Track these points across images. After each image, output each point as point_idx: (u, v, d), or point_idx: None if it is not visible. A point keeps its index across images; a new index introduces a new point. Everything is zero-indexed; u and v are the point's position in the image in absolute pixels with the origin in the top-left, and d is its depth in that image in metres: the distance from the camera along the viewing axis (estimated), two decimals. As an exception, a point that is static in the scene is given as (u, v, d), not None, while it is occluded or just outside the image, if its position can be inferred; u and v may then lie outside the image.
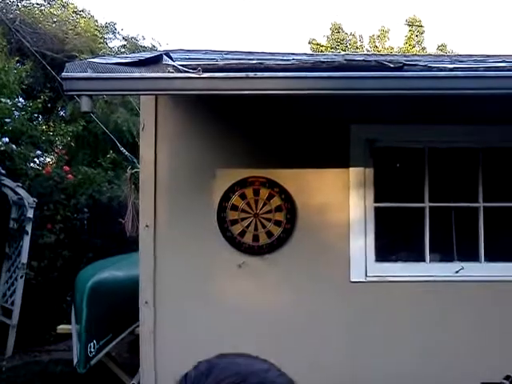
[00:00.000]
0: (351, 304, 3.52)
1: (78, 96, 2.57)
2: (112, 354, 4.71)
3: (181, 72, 2.50)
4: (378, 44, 21.11)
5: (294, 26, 36.68)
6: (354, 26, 30.75)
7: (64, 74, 2.49)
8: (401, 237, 3.75)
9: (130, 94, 4.02)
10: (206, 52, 4.02)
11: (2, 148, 7.08)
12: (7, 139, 7.23)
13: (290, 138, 3.59)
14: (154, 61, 2.70)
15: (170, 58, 2.69)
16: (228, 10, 37.94)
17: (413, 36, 20.71)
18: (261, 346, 3.47)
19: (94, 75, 2.51)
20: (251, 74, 2.45)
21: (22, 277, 6.61)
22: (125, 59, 2.82)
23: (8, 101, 7.72)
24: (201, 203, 3.58)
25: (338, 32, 21.41)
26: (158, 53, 2.86)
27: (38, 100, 8.86)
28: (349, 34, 21.59)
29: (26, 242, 6.73)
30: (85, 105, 2.53)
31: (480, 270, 3.53)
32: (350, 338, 3.51)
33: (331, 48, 20.61)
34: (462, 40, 31.15)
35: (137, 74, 2.50)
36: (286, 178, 3.56)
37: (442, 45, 20.83)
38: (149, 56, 2.75)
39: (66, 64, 2.63)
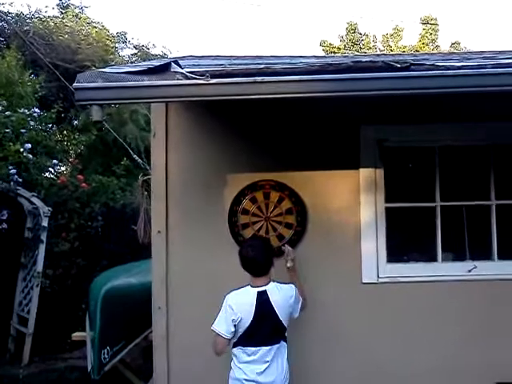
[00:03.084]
0: (363, 305, 3.51)
1: (89, 106, 2.60)
2: (126, 360, 4.75)
3: (189, 79, 2.53)
4: (391, 43, 21.04)
5: (308, 28, 36.73)
6: (369, 27, 30.74)
7: (75, 85, 2.54)
8: (412, 237, 3.74)
9: (140, 102, 4.07)
10: (215, 58, 4.06)
11: (23, 155, 7.15)
12: (29, 145, 7.31)
13: (300, 140, 3.61)
14: (163, 68, 2.73)
15: (179, 65, 2.72)
16: (240, 13, 38.11)
17: (427, 34, 20.61)
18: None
19: (104, 84, 2.54)
20: (259, 79, 2.47)
21: (37, 285, 6.69)
22: (134, 68, 2.85)
23: (26, 111, 7.85)
24: (212, 208, 3.61)
25: (354, 32, 21.36)
26: (167, 60, 2.90)
27: (52, 110, 9.00)
28: (363, 34, 21.55)
29: (42, 250, 6.81)
30: (95, 114, 2.57)
31: (493, 268, 3.51)
32: (363, 339, 3.50)
33: (345, 48, 20.60)
34: (476, 37, 31.00)
35: (146, 82, 2.53)
36: (296, 180, 3.57)
37: (455, 42, 20.75)
38: (158, 64, 2.78)
39: (78, 75, 2.67)
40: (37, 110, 8.22)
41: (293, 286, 3.12)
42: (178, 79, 2.54)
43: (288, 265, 3.26)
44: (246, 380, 2.95)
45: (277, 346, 2.98)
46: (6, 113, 7.49)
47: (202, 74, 2.51)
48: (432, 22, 20.49)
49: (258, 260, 3.01)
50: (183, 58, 3.91)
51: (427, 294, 3.51)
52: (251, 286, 3.00)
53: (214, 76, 2.51)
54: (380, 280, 3.51)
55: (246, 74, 2.56)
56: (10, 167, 6.83)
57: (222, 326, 2.94)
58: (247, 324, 2.92)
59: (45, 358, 6.45)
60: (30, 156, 7.31)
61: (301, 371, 3.42)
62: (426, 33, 20.70)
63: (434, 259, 3.56)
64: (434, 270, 3.53)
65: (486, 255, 3.56)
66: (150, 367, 3.69)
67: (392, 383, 3.47)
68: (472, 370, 3.43)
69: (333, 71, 2.56)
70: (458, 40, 21.05)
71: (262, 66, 2.76)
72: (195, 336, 3.50)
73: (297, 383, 3.19)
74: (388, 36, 21.18)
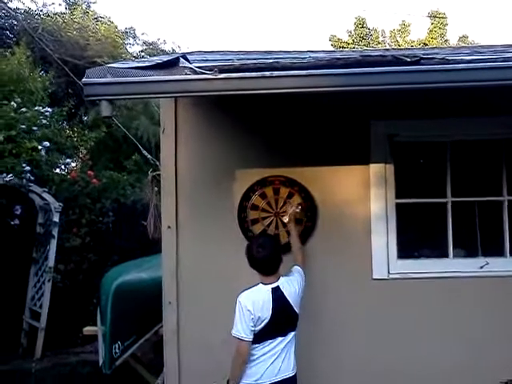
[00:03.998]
0: (374, 301, 3.49)
1: (99, 101, 2.60)
2: (137, 354, 4.78)
3: (198, 74, 2.52)
4: (398, 38, 20.89)
5: (316, 24, 36.57)
6: (377, 21, 30.52)
7: (84, 80, 2.54)
8: (423, 233, 3.71)
9: (149, 97, 4.07)
10: (224, 53, 4.05)
11: (38, 152, 7.21)
12: (47, 143, 7.37)
13: (309, 135, 3.58)
14: (172, 64, 2.73)
15: (187, 60, 2.71)
16: (249, 8, 38.01)
17: (435, 28, 20.43)
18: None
19: (113, 80, 2.54)
20: (267, 73, 2.45)
21: (49, 280, 6.75)
22: (143, 63, 2.85)
23: (40, 108, 7.92)
24: (222, 204, 3.61)
25: (362, 27, 21.21)
26: (175, 55, 2.89)
27: (63, 108, 9.05)
28: (371, 29, 21.40)
29: (53, 245, 6.88)
30: (104, 109, 2.57)
31: (505, 264, 3.47)
32: (373, 335, 3.48)
33: (353, 43, 20.47)
34: (484, 30, 30.66)
35: (154, 78, 2.53)
36: (306, 176, 3.56)
37: (463, 36, 20.55)
38: (166, 59, 2.78)
39: (87, 70, 2.68)
40: (49, 109, 8.27)
41: (297, 268, 3.17)
42: (186, 74, 2.53)
43: (285, 220, 3.39)
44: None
45: (291, 335, 3.01)
46: (22, 109, 7.55)
47: (210, 69, 2.50)
48: (440, 16, 20.28)
49: (269, 260, 2.99)
50: (192, 53, 3.89)
51: (438, 290, 3.47)
52: (263, 284, 2.99)
53: (222, 71, 2.50)
54: (391, 276, 3.49)
55: (254, 69, 2.55)
56: (24, 164, 6.90)
57: (243, 329, 2.90)
58: (266, 322, 2.91)
59: (57, 352, 6.53)
60: (43, 153, 7.37)
61: (309, 367, 3.41)
62: (435, 27, 20.50)
63: (445, 255, 3.53)
64: (446, 267, 3.50)
65: (497, 252, 3.52)
66: (160, 362, 3.71)
67: (402, 381, 3.45)
68: (485, 366, 3.39)
69: (342, 65, 2.54)
70: (465, 34, 20.84)
71: (271, 60, 2.75)
72: (206, 330, 3.51)
73: (305, 378, 3.18)
74: (395, 31, 21.02)
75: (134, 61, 4.11)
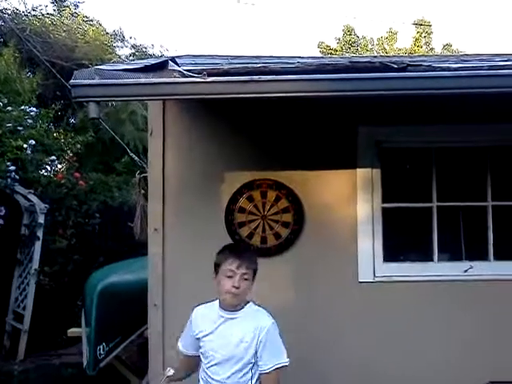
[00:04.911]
0: (360, 304, 3.52)
1: (86, 103, 2.60)
2: (122, 356, 4.75)
3: (186, 77, 2.52)
4: (386, 46, 21.10)
5: (305, 30, 36.75)
6: (366, 29, 30.76)
7: (72, 82, 2.53)
8: (409, 237, 3.74)
9: (137, 100, 4.07)
10: (213, 57, 4.06)
11: (23, 152, 7.14)
12: (33, 141, 7.30)
13: (297, 140, 3.61)
14: (160, 66, 2.72)
15: (176, 63, 2.72)
16: (237, 14, 38.09)
17: (421, 37, 20.68)
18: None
19: (101, 82, 2.54)
20: (255, 78, 2.46)
21: (35, 282, 6.68)
22: (131, 65, 2.85)
23: (26, 107, 7.85)
24: (209, 206, 3.61)
25: (350, 34, 21.39)
26: (164, 58, 2.90)
27: (50, 110, 8.98)
28: (360, 36, 21.58)
29: (38, 247, 6.80)
30: (92, 111, 2.56)
31: (489, 268, 3.52)
32: (359, 337, 3.51)
33: (342, 50, 20.64)
34: (468, 39, 31.04)
35: (142, 80, 2.53)
36: (294, 179, 3.58)
37: (447, 44, 20.83)
38: (155, 62, 2.78)
39: (75, 72, 2.67)
40: (34, 109, 8.20)
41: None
42: (175, 77, 2.54)
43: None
44: None
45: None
46: (8, 108, 7.48)
47: (199, 72, 2.50)
48: (426, 23, 20.52)
49: None
50: (180, 56, 3.89)
51: (423, 293, 3.51)
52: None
53: (211, 74, 2.51)
54: (376, 279, 3.52)
55: (243, 73, 2.56)
56: (9, 163, 6.82)
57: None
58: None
59: (40, 354, 6.45)
60: (29, 152, 7.30)
61: (296, 369, 3.43)
62: (420, 35, 20.75)
63: (430, 259, 3.57)
64: (431, 270, 3.54)
65: (482, 256, 3.57)
66: (146, 364, 3.69)
67: (388, 382, 3.47)
68: (469, 368, 3.43)
69: (330, 71, 2.56)
70: (449, 42, 21.13)
71: (260, 65, 2.76)
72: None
73: (292, 382, 3.19)
74: (383, 39, 21.23)
75: (122, 63, 4.10)
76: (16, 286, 7.04)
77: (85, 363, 4.09)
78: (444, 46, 20.79)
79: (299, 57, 3.92)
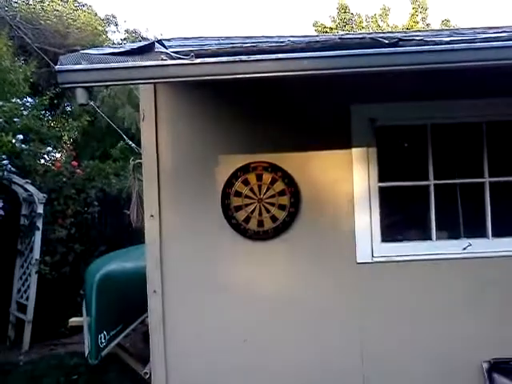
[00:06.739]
0: (358, 285, 3.50)
1: (73, 88, 2.54)
2: (126, 344, 4.77)
3: (174, 59, 2.47)
4: (381, 23, 20.82)
5: (300, 9, 36.23)
6: (360, 7, 30.35)
7: (58, 67, 2.47)
8: (406, 216, 3.71)
9: (124, 84, 4.00)
10: (204, 39, 3.99)
11: (15, 145, 7.11)
12: (21, 136, 7.26)
13: (291, 121, 3.56)
14: (148, 49, 2.67)
15: (163, 45, 2.67)
16: (230, -4, 37.44)
17: (417, 13, 20.39)
18: (270, 330, 3.49)
19: (88, 66, 2.48)
20: (244, 58, 2.41)
21: (36, 272, 6.70)
22: (118, 49, 2.80)
23: (18, 100, 7.79)
24: (205, 191, 3.58)
25: (345, 12, 21.09)
26: (151, 41, 2.84)
27: (44, 97, 8.90)
28: (355, 14, 21.28)
29: (38, 237, 6.81)
30: (80, 97, 2.51)
31: (487, 245, 3.49)
32: (358, 319, 3.50)
33: (337, 28, 20.37)
34: (467, 14, 30.63)
35: (129, 64, 2.47)
36: (289, 161, 3.54)
37: (445, 20, 20.54)
38: (142, 45, 2.72)
39: (60, 57, 2.61)
40: (29, 99, 8.14)
41: None
42: (162, 60, 2.49)
43: None
44: None
45: None
46: (0, 102, 7.43)
47: (186, 54, 2.45)
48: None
49: None
50: (170, 39, 3.83)
51: (422, 272, 3.49)
52: None
53: (199, 56, 2.45)
54: (375, 259, 3.50)
55: (231, 53, 2.50)
56: (4, 156, 6.79)
57: None
58: None
59: (44, 344, 6.50)
60: (23, 146, 7.26)
61: (297, 354, 3.43)
62: (416, 11, 20.45)
63: (428, 238, 3.54)
64: (429, 249, 3.51)
65: (480, 233, 3.53)
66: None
67: (388, 364, 3.47)
68: (468, 346, 3.43)
69: (319, 48, 2.51)
70: (447, 17, 20.84)
71: (249, 45, 2.70)
72: (191, 318, 3.51)
73: (290, 365, 3.19)
74: (377, 16, 20.95)
75: (108, 47, 4.03)
76: (18, 277, 7.08)
77: (86, 352, 4.11)
78: (442, 22, 20.50)
79: (291, 36, 3.85)
